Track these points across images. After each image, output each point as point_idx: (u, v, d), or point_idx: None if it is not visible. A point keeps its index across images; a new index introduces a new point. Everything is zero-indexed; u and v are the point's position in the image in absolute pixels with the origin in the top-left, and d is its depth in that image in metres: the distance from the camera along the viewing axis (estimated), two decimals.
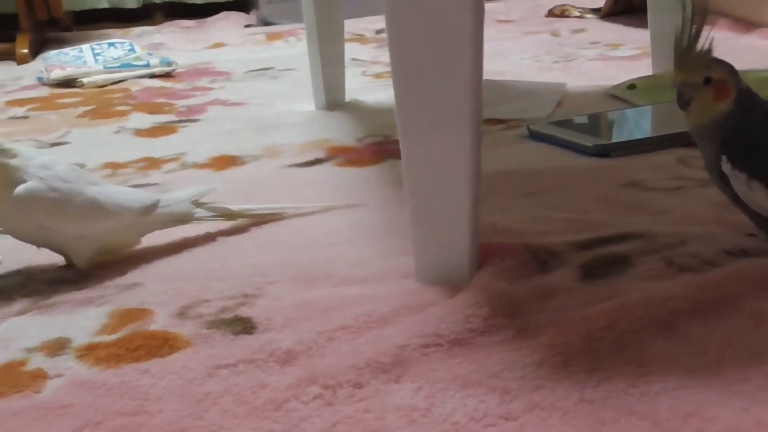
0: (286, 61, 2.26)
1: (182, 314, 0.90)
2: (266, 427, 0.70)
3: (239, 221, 1.12)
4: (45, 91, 2.09)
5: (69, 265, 1.02)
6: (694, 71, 0.89)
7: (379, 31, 2.63)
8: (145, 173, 1.39)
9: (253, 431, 0.69)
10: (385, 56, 2.00)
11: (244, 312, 0.89)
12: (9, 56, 2.41)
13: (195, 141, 1.57)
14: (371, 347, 0.78)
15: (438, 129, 0.87)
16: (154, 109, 1.85)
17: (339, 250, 1.01)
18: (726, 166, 0.88)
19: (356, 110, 1.70)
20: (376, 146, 1.43)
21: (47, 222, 0.99)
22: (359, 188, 1.24)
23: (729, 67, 0.89)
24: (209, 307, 0.90)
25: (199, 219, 1.10)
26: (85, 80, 2.12)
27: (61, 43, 2.60)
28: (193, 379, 0.77)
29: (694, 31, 0.87)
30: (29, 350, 0.85)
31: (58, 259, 1.03)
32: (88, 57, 2.22)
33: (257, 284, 0.94)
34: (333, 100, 1.74)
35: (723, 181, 0.90)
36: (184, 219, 1.09)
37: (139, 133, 1.67)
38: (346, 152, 1.41)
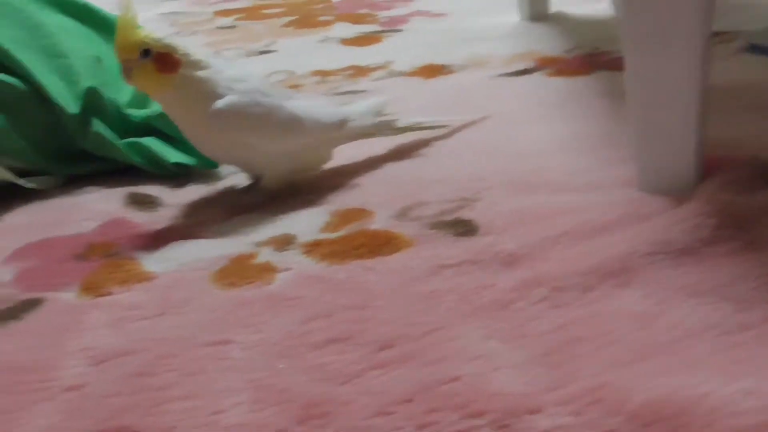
0: None
1: (402, 215, 0.91)
2: (492, 326, 0.70)
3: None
4: (249, 2, 2.13)
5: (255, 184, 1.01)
6: None
7: None
8: (354, 81, 1.41)
9: (479, 329, 0.70)
10: None
11: (464, 215, 0.89)
12: None
13: (400, 50, 1.57)
14: (597, 253, 0.78)
15: (666, 40, 0.84)
16: (356, 19, 1.86)
17: (554, 159, 1.00)
18: None
19: (562, 22, 1.67)
20: (586, 57, 1.40)
21: (248, 138, 0.94)
22: (570, 98, 1.22)
23: None
24: (428, 209, 0.91)
25: (382, 133, 1.07)
26: None
27: None
28: (417, 277, 0.78)
29: None
30: (258, 244, 0.88)
31: None
32: None
33: (475, 189, 0.95)
34: (537, 11, 1.72)
35: None
36: (369, 132, 1.05)
37: (344, 42, 1.68)
38: (555, 63, 1.39)
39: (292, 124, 0.97)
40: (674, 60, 0.84)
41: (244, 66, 1.53)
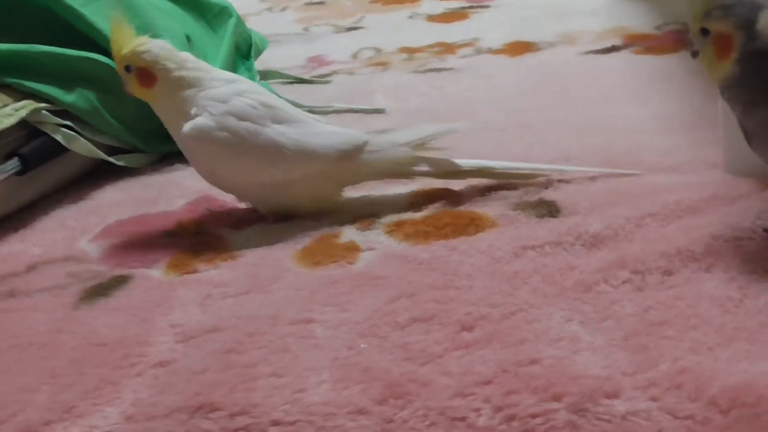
0: None
1: (486, 195, 0.91)
2: (577, 307, 0.70)
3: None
4: None
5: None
6: (695, 17, 0.71)
7: None
8: (441, 58, 1.41)
9: (564, 311, 0.70)
10: None
11: (549, 195, 0.89)
12: None
13: (488, 27, 1.57)
14: (681, 235, 0.77)
15: None
16: None
17: (644, 138, 1.00)
18: (760, 142, 0.71)
19: None
20: (676, 34, 1.39)
21: (214, 166, 0.89)
22: (658, 77, 1.21)
23: (741, 18, 0.68)
24: (513, 189, 0.91)
25: (418, 174, 0.91)
26: None
27: None
28: (500, 258, 0.79)
29: None
30: (341, 223, 0.89)
31: None
32: None
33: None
34: None
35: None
36: (399, 171, 0.91)
37: (432, 18, 1.69)
38: (644, 40, 1.38)
39: (265, 152, 0.87)
40: None
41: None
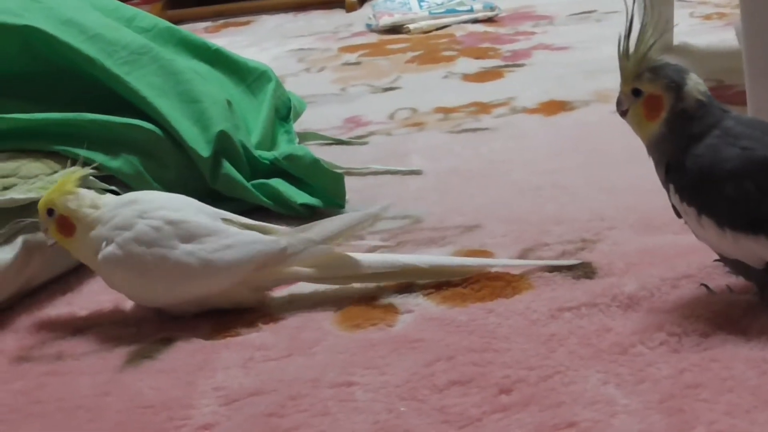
0: (609, 3, 2.22)
1: (522, 257, 0.92)
2: (613, 370, 0.71)
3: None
4: (374, 38, 2.16)
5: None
6: (626, 78, 0.76)
7: None
8: (476, 118, 1.43)
9: (600, 374, 0.71)
10: None
11: (584, 256, 0.90)
12: (339, 4, 2.51)
13: (522, 86, 1.58)
14: (717, 297, 0.78)
15: None
16: (479, 54, 1.88)
17: None
18: (674, 198, 0.77)
19: (685, 54, 1.66)
20: (710, 92, 1.39)
21: (129, 291, 0.90)
22: None
23: (671, 81, 0.74)
24: (549, 251, 0.93)
25: (342, 279, 0.90)
26: (411, 26, 2.17)
27: None
28: (537, 320, 0.80)
29: (640, 32, 0.75)
30: (380, 286, 0.90)
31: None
32: (413, 3, 2.28)
33: (596, 229, 0.96)
34: (661, 42, 1.71)
35: (677, 212, 0.78)
36: (322, 276, 0.89)
37: (467, 77, 1.70)
38: None
39: (179, 276, 0.87)
40: None
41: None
